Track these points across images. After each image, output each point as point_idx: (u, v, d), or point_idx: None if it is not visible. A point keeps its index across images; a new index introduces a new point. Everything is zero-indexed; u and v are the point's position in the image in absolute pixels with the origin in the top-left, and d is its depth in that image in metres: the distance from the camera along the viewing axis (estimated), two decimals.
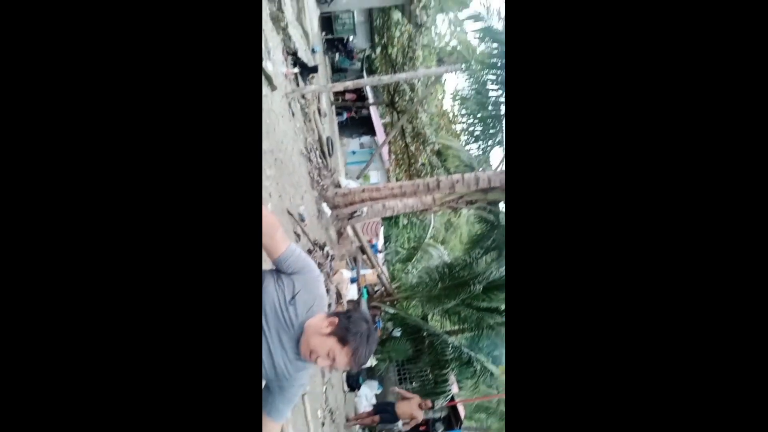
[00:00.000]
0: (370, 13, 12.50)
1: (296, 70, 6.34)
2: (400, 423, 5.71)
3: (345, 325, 1.12)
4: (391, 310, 8.30)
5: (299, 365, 1.18)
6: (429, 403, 5.88)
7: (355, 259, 7.50)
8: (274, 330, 1.15)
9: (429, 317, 8.60)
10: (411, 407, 5.65)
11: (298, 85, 6.32)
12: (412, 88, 10.74)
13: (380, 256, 10.80)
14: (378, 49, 13.05)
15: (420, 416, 5.72)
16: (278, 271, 1.17)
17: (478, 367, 7.52)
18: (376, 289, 8.61)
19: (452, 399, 7.86)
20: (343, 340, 1.10)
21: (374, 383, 7.16)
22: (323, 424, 4.19)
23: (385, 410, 5.86)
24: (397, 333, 8.24)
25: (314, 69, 7.22)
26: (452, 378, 7.87)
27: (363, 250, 7.63)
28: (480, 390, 8.94)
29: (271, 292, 1.15)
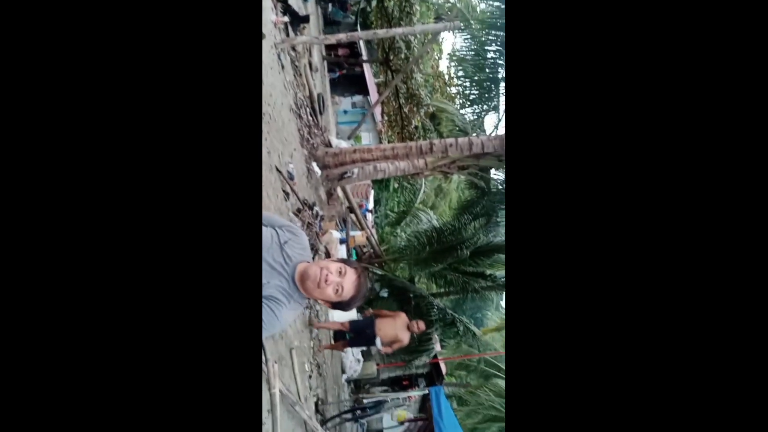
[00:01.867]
0: None
1: (286, 19, 5.98)
2: (378, 342, 4.41)
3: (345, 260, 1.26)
4: (379, 272, 8.42)
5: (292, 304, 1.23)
6: (421, 325, 4.53)
7: (344, 221, 7.49)
8: (269, 271, 1.20)
9: (416, 279, 8.78)
10: (395, 327, 4.41)
11: (288, 35, 5.99)
12: (408, 46, 10.30)
13: (369, 218, 10.82)
14: (374, 2, 12.37)
15: (405, 339, 4.41)
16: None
17: (461, 328, 7.79)
18: (364, 250, 8.69)
19: (435, 357, 8.19)
20: (349, 264, 1.21)
21: None
22: (310, 377, 4.33)
23: (360, 329, 4.58)
24: (384, 293, 8.42)
25: (305, 19, 6.83)
26: (436, 337, 8.16)
27: (352, 211, 7.61)
28: (462, 349, 9.34)
29: (266, 237, 1.22)
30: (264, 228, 1.25)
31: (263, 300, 1.15)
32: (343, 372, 6.75)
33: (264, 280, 1.17)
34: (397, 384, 8.36)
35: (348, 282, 1.17)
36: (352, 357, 6.85)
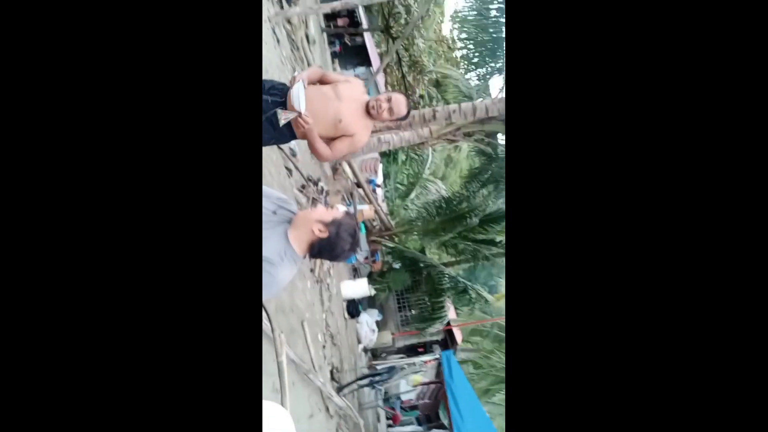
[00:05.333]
0: None
1: None
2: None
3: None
4: (390, 244, 8.51)
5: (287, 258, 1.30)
6: (399, 102, 1.66)
7: (351, 194, 7.51)
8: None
9: (427, 250, 8.84)
10: (340, 98, 1.61)
11: (282, 7, 5.84)
12: (408, 10, 9.94)
13: (380, 192, 10.81)
14: None
15: (362, 134, 1.66)
16: None
17: (474, 295, 7.88)
18: (374, 224, 8.74)
19: (448, 324, 8.35)
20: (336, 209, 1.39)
21: (374, 311, 7.57)
22: (324, 347, 4.48)
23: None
24: (396, 265, 8.53)
25: None
26: (449, 305, 8.28)
27: (359, 186, 7.61)
28: (475, 315, 9.48)
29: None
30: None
31: None
32: (359, 342, 6.96)
33: None
34: (412, 351, 8.59)
35: (337, 212, 1.35)
36: (367, 327, 7.04)
